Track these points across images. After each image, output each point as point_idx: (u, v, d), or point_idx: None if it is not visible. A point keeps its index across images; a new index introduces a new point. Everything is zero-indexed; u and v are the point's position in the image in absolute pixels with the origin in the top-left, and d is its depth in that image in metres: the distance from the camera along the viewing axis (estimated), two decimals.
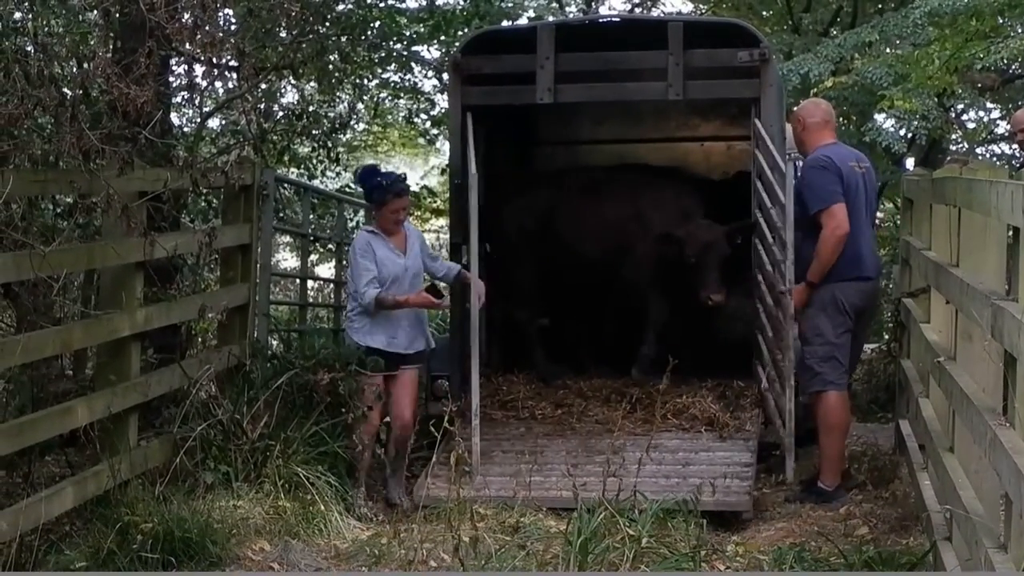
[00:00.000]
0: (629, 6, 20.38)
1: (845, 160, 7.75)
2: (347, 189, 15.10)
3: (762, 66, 8.55)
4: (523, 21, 17.29)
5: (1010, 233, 4.34)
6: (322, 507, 6.90)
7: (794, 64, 13.13)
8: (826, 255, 7.53)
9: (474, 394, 7.77)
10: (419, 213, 18.71)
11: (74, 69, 7.39)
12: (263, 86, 11.02)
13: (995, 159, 17.24)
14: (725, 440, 8.13)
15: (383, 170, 8.46)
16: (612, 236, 9.25)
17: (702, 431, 8.26)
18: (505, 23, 15.57)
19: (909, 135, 13.65)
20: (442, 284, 8.75)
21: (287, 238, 16.31)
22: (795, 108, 8.36)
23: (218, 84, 9.56)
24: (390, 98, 16.53)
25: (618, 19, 14.91)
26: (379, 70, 14.89)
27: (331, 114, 13.64)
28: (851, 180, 7.67)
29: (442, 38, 15.01)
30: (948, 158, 8.07)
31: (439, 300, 7.93)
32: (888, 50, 14.31)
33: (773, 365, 7.92)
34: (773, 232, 7.99)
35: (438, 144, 19.53)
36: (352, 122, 15.88)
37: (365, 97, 15.31)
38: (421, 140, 19.81)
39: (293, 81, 12.48)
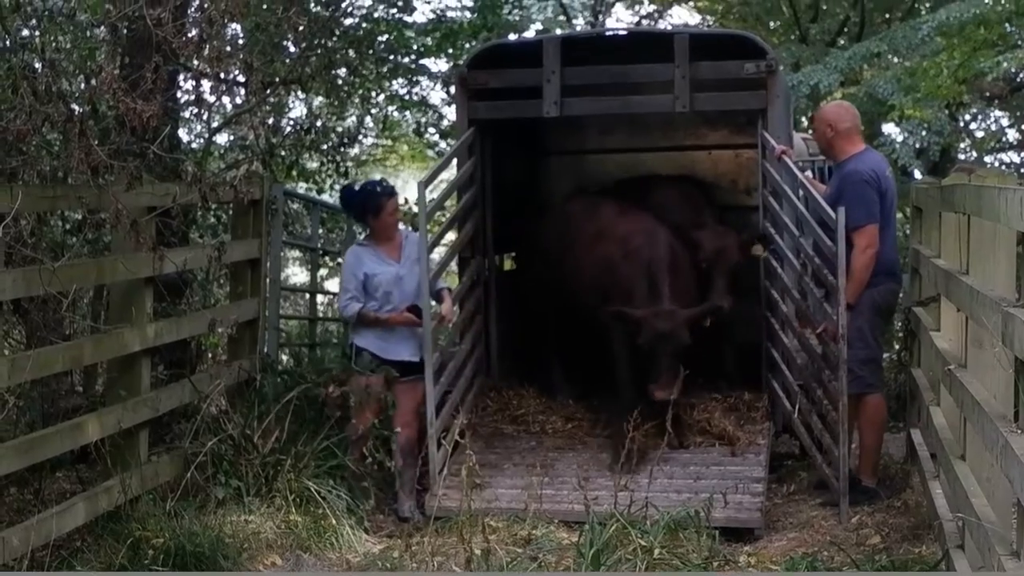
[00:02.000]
0: (636, 19, 20.41)
1: (883, 170, 7.85)
2: None
3: (769, 77, 8.54)
4: (530, 34, 17.32)
5: (1020, 240, 4.33)
6: (333, 521, 6.89)
7: (803, 75, 13.14)
8: (860, 275, 7.50)
9: (429, 405, 7.66)
10: (427, 227, 18.60)
11: (82, 85, 7.40)
12: (271, 100, 11.06)
13: (1004, 168, 17.20)
14: (736, 455, 8.08)
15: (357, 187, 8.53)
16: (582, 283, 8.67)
17: (714, 445, 8.22)
18: (512, 36, 15.60)
19: (919, 146, 13.62)
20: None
21: (296, 252, 16.32)
22: (821, 108, 8.29)
23: (226, 99, 9.58)
24: (398, 111, 16.53)
25: (625, 32, 14.93)
26: (387, 83, 14.90)
27: (339, 128, 13.70)
28: (888, 189, 7.75)
29: (450, 51, 15.04)
30: (955, 167, 8.03)
31: (421, 321, 7.79)
32: (896, 60, 14.32)
33: (821, 418, 7.75)
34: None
35: None
36: (360, 136, 15.94)
37: (373, 110, 15.34)
38: (430, 152, 19.80)
39: (301, 95, 12.53)
